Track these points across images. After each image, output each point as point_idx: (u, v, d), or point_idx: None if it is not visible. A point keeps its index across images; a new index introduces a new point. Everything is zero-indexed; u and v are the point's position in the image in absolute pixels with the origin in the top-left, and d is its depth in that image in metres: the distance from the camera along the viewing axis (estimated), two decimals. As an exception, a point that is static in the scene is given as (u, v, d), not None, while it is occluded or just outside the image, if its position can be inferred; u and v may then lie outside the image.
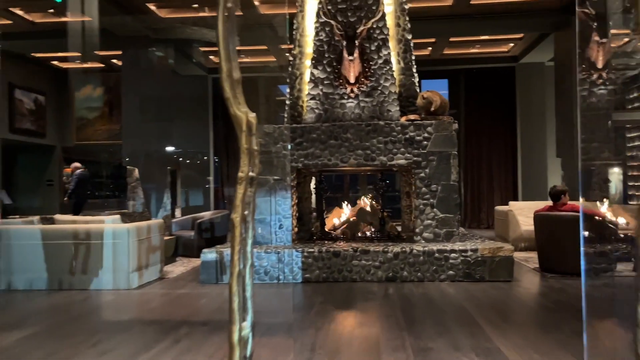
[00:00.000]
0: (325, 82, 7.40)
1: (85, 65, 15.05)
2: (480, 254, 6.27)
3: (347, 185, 14.52)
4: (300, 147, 7.03)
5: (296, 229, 7.40)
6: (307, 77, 7.58)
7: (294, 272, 6.48)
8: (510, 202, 9.97)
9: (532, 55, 13.23)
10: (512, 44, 13.15)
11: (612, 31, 10.99)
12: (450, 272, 6.31)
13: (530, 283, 6.21)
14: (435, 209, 6.85)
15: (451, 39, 12.50)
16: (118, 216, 6.55)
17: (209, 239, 8.89)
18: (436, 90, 7.08)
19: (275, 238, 7.02)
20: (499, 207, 9.88)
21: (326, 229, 7.54)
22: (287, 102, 7.71)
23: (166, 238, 8.48)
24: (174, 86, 15.29)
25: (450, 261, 6.31)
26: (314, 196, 8.12)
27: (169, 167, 12.00)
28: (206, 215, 9.67)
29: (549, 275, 6.53)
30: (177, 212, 15.69)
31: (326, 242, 7.28)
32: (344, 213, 8.06)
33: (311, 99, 7.41)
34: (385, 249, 6.42)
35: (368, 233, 7.61)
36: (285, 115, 7.72)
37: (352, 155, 6.96)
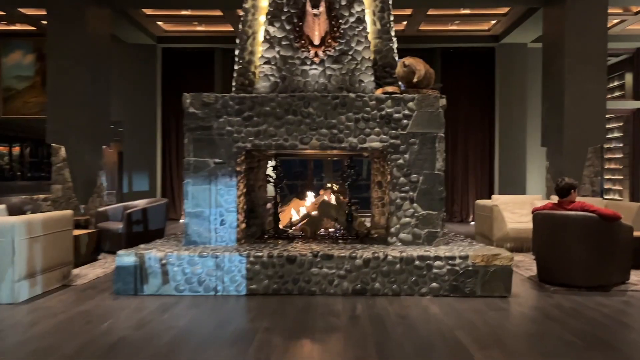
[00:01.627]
0: (284, 42, 5.94)
1: (12, 28, 13.06)
2: (472, 263, 5.01)
3: (310, 173, 13.14)
4: (250, 123, 5.58)
5: (243, 225, 5.98)
6: (260, 36, 6.11)
7: (236, 281, 5.07)
8: (494, 196, 8.79)
9: (515, 35, 12.07)
10: (494, 21, 11.95)
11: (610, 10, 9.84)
12: (434, 284, 5.03)
13: (532, 300, 4.99)
14: (415, 204, 5.54)
15: (429, 12, 11.19)
16: (3, 206, 4.97)
17: (140, 233, 7.36)
18: (420, 59, 5.73)
19: (216, 237, 5.58)
20: (480, 202, 8.69)
21: (281, 226, 6.14)
22: (236, 67, 6.23)
23: (85, 232, 6.91)
24: (115, 54, 13.49)
25: (434, 271, 5.02)
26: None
27: (104, 146, 10.30)
28: (140, 203, 8.12)
29: (551, 288, 5.33)
30: (118, 199, 13.95)
31: (280, 242, 5.88)
32: (304, 206, 6.67)
33: (265, 63, 5.95)
34: (353, 254, 5.08)
35: (332, 231, 6.25)
36: (233, 83, 6.24)
37: (315, 134, 5.56)
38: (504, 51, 12.71)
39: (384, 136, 5.54)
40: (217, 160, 5.55)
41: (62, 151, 9.62)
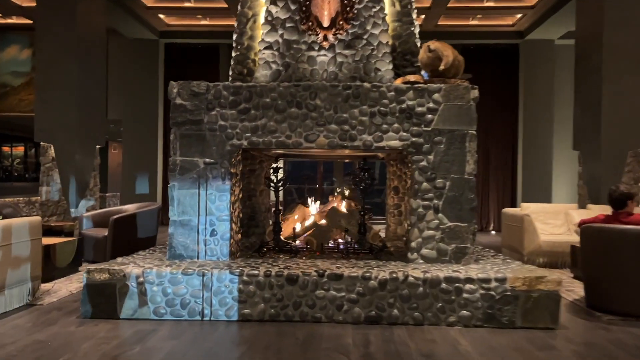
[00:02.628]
0: (288, 24, 5.13)
1: (7, 21, 12.42)
2: (510, 286, 4.13)
3: (320, 176, 12.26)
4: (247, 117, 4.76)
5: (238, 236, 5.16)
6: (262, 18, 5.30)
7: (226, 304, 4.24)
8: (524, 204, 7.89)
9: (542, 31, 11.17)
10: (519, 15, 11.07)
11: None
12: (464, 312, 4.16)
13: (584, 333, 4.09)
14: (440, 215, 4.68)
15: (450, 4, 10.34)
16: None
17: (128, 241, 6.57)
18: (447, 43, 4.88)
19: (205, 250, 4.76)
20: (509, 210, 7.79)
21: (282, 237, 5.30)
22: (233, 54, 5.42)
23: (64, 240, 6.14)
24: (117, 50, 12.80)
25: (465, 295, 4.15)
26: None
27: (98, 146, 9.55)
28: (130, 208, 7.33)
29: (605, 317, 4.44)
30: (112, 203, 13.23)
31: (281, 256, 5.05)
32: (310, 214, 5.83)
33: (266, 48, 5.14)
34: (367, 274, 4.23)
35: (342, 244, 5.40)
36: (230, 73, 5.43)
37: (323, 131, 4.72)
38: (529, 48, 11.81)
39: (404, 133, 4.69)
40: (207, 160, 4.74)
41: (51, 150, 8.88)
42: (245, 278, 4.22)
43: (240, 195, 5.20)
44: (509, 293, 4.12)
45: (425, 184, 4.69)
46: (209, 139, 4.75)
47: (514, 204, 11.71)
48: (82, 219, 7.22)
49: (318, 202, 6.31)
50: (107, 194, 13.16)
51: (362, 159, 5.13)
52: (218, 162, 4.75)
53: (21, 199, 9.07)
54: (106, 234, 6.62)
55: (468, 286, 4.15)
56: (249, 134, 4.74)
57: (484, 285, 4.14)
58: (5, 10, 11.50)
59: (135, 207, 7.36)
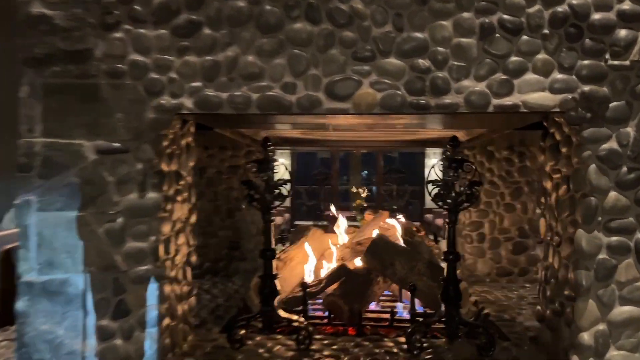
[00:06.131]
0: None
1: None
2: None
3: (336, 174, 9.48)
4: (194, 43, 2.06)
5: (185, 308, 2.49)
6: None
7: None
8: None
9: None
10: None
11: None
12: None
13: None
14: (649, 264, 1.97)
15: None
16: None
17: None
18: None
19: (100, 351, 2.07)
20: None
21: (280, 301, 2.57)
22: None
23: None
24: None
25: None
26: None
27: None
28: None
29: None
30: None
31: (277, 348, 2.36)
32: (334, 248, 3.13)
33: None
34: None
35: (404, 312, 2.70)
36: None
37: (369, 73, 2.02)
38: None
39: (563, 75, 1.98)
40: (105, 143, 2.05)
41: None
42: None
43: (192, 219, 2.51)
44: None
45: (614, 195, 1.98)
46: (107, 97, 2.06)
47: None
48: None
49: (344, 221, 3.61)
50: None
51: (451, 141, 2.36)
52: (129, 149, 2.07)
53: None
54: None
55: None
56: (198, 83, 2.05)
57: None
58: None
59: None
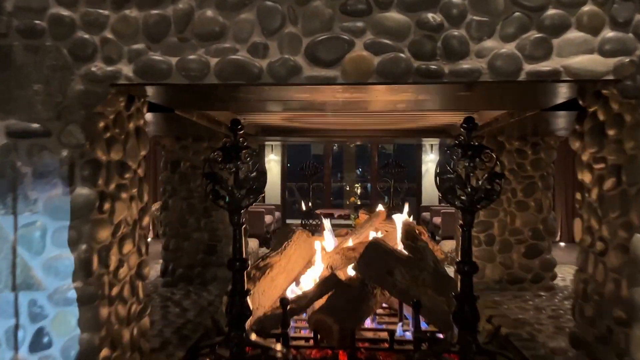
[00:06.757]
0: None
1: None
2: None
3: (328, 171, 9.01)
4: (136, -3, 1.58)
5: (144, 322, 2.00)
6: None
7: None
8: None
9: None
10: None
11: None
12: None
13: None
14: None
15: None
16: None
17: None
18: None
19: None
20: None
21: (250, 323, 2.10)
22: None
23: None
24: None
25: None
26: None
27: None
28: None
29: None
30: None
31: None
32: (323, 254, 2.66)
33: None
34: None
35: (407, 333, 2.23)
36: None
37: (362, 32, 1.55)
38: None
39: (614, 33, 1.52)
40: (19, 123, 1.57)
41: None
42: None
43: (145, 222, 2.03)
44: None
45: (682, 190, 1.52)
46: (21, 63, 1.58)
47: None
48: None
49: (327, 223, 3.14)
50: None
51: (466, 122, 1.88)
52: (51, 131, 1.59)
53: None
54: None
55: None
56: (139, 45, 1.57)
57: None
58: None
59: None
